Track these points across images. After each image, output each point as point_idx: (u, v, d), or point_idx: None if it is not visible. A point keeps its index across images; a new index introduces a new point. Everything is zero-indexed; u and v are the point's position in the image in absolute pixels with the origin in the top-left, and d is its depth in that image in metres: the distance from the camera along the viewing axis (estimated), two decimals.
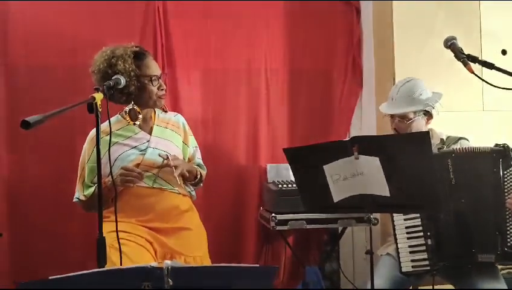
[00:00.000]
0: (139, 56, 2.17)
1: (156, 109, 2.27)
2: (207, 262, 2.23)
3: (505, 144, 2.04)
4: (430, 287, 2.05)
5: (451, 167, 2.01)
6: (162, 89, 2.21)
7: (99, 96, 1.70)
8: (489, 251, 2.00)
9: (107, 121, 1.86)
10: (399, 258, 2.09)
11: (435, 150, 2.13)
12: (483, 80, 1.82)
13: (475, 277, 2.06)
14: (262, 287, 1.43)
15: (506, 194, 1.99)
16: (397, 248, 2.10)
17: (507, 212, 1.99)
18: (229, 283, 1.40)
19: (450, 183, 2.01)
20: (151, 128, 2.23)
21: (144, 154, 2.14)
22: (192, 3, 3.01)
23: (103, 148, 2.00)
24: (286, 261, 3.05)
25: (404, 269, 2.07)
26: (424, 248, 2.05)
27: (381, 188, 1.71)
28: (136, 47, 2.19)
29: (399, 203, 1.77)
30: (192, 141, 2.36)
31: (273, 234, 2.94)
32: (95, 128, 1.94)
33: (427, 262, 2.04)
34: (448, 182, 2.01)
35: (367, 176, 1.71)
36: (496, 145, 2.05)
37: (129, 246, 2.01)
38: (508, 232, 1.98)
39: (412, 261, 2.06)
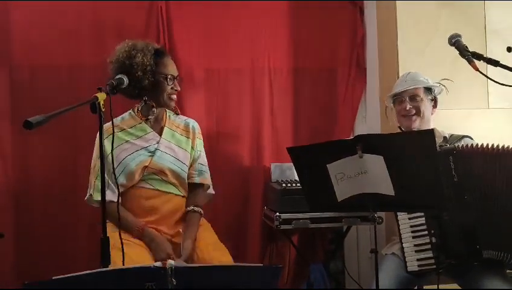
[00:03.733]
0: (158, 54, 2.19)
1: (167, 110, 2.27)
2: (221, 247, 2.23)
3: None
4: (435, 287, 2.03)
5: (453, 164, 1.99)
6: (175, 90, 2.22)
7: (102, 96, 1.70)
8: (496, 248, 1.98)
9: (120, 116, 1.86)
10: (404, 257, 2.08)
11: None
12: (488, 78, 1.81)
13: (481, 275, 2.04)
14: (266, 286, 1.43)
15: None
16: (402, 248, 2.09)
17: None
18: (233, 282, 1.40)
19: (452, 180, 1.99)
20: (162, 129, 2.23)
21: (153, 156, 2.15)
22: (195, 3, 3.01)
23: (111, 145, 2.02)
24: (290, 260, 3.04)
25: (410, 269, 2.06)
26: (429, 246, 2.03)
27: (385, 186, 1.70)
28: (158, 45, 2.24)
29: (403, 202, 1.76)
30: (199, 144, 2.35)
31: (277, 234, 2.93)
32: (107, 124, 1.96)
33: (432, 261, 2.03)
34: (450, 179, 1.99)
35: (371, 174, 1.70)
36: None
37: (131, 246, 2.01)
38: None
39: (418, 260, 2.05)
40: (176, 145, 2.24)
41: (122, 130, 2.17)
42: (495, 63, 1.78)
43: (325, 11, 3.17)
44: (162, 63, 2.19)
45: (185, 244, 2.11)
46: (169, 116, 2.29)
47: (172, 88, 2.20)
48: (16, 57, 2.84)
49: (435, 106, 2.38)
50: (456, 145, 2.11)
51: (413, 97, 2.33)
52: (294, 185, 2.72)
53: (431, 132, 1.68)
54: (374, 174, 1.70)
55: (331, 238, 3.13)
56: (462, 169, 1.99)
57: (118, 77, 1.96)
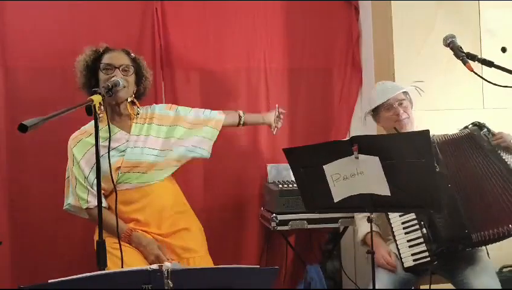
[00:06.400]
0: (105, 51, 2.19)
1: (134, 107, 2.24)
2: (208, 261, 2.23)
3: (474, 122, 2.22)
4: (433, 286, 2.04)
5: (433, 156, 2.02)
6: (113, 76, 2.09)
7: (97, 99, 1.69)
8: (482, 229, 2.03)
9: (89, 122, 1.84)
10: (400, 254, 2.09)
11: None
12: (482, 78, 1.81)
13: (469, 271, 2.09)
14: (263, 288, 1.43)
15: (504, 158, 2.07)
16: (396, 245, 2.09)
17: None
18: (229, 284, 1.40)
19: (435, 170, 2.02)
20: (130, 127, 2.21)
21: (124, 155, 2.13)
22: (190, 3, 3.01)
23: (81, 151, 2.05)
24: (288, 261, 3.04)
25: (406, 265, 2.07)
26: (421, 240, 2.05)
27: (381, 187, 1.70)
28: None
29: (399, 203, 1.76)
30: (181, 110, 2.33)
31: (274, 234, 2.93)
32: (75, 132, 1.97)
33: (426, 253, 2.04)
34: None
35: (367, 175, 1.71)
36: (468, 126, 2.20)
37: (124, 251, 2.01)
38: None
39: (412, 255, 2.06)
40: (146, 136, 2.20)
41: (90, 134, 2.13)
42: (489, 63, 1.78)
43: (320, 11, 3.18)
44: (104, 57, 2.16)
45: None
46: (137, 112, 2.23)
47: (109, 76, 2.10)
48: (11, 59, 2.82)
49: (412, 107, 2.44)
50: (432, 138, 2.14)
51: (401, 102, 2.37)
52: (290, 185, 2.72)
53: (427, 132, 1.69)
54: (369, 175, 1.70)
55: (327, 238, 3.13)
56: (442, 159, 2.06)
57: (113, 79, 1.95)
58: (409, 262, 2.06)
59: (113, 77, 2.07)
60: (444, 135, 2.20)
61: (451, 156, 2.11)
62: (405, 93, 2.43)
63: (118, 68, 2.13)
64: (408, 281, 2.17)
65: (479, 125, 2.19)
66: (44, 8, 2.85)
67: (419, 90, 2.38)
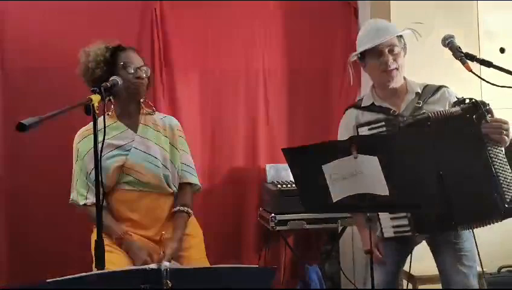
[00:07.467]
0: (120, 49, 2.15)
1: (144, 108, 2.23)
2: (205, 264, 2.22)
3: (472, 98, 1.93)
4: (432, 287, 2.03)
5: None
6: (137, 77, 2.08)
7: (96, 98, 1.69)
8: (470, 220, 1.94)
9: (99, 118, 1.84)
10: (380, 224, 2.03)
11: (412, 105, 2.05)
12: (481, 79, 1.81)
13: (448, 260, 2.04)
14: (261, 288, 1.43)
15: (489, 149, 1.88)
16: (378, 218, 2.02)
17: (496, 166, 1.88)
18: (227, 284, 1.40)
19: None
20: (137, 127, 2.19)
21: (128, 155, 2.12)
22: (189, 4, 3.01)
23: (87, 147, 2.04)
24: (286, 261, 3.04)
25: (386, 235, 2.03)
26: (404, 214, 1.99)
27: (380, 187, 1.70)
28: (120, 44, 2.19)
29: (398, 203, 1.76)
30: (180, 142, 2.28)
31: (273, 234, 2.93)
32: (82, 128, 2.01)
33: (408, 228, 1.99)
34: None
35: (366, 175, 1.71)
36: (464, 102, 1.94)
37: (115, 253, 2.00)
38: (504, 188, 1.87)
39: (393, 227, 2.01)
40: (150, 141, 2.16)
41: (97, 131, 2.12)
42: (488, 64, 1.78)
43: (319, 11, 3.19)
44: (122, 55, 2.13)
45: (169, 244, 2.09)
46: (146, 113, 2.22)
47: (135, 77, 2.09)
48: (9, 59, 2.83)
49: (405, 53, 2.15)
50: (429, 114, 1.94)
51: (392, 48, 2.06)
52: (289, 186, 2.73)
53: (426, 135, 1.69)
54: (368, 175, 1.70)
55: (326, 239, 3.13)
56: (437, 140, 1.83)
57: (112, 78, 1.95)
58: (389, 233, 2.02)
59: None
60: (437, 112, 1.93)
61: (448, 137, 1.88)
62: (399, 37, 2.09)
63: (139, 68, 2.13)
64: (403, 253, 2.15)
65: (476, 105, 1.90)
66: (43, 9, 2.85)
67: (417, 35, 2.07)
